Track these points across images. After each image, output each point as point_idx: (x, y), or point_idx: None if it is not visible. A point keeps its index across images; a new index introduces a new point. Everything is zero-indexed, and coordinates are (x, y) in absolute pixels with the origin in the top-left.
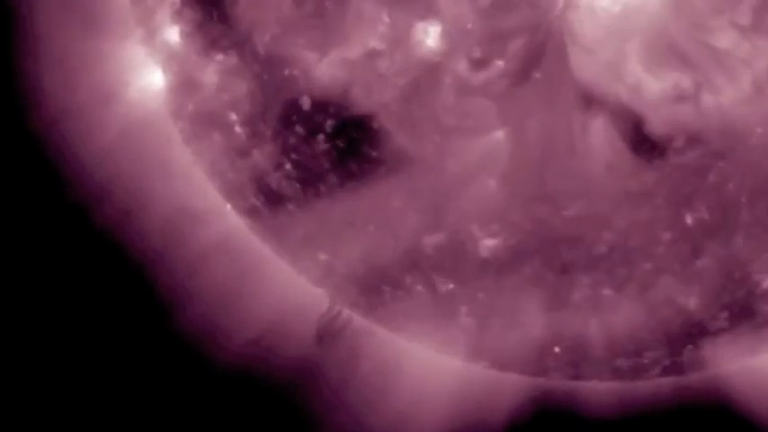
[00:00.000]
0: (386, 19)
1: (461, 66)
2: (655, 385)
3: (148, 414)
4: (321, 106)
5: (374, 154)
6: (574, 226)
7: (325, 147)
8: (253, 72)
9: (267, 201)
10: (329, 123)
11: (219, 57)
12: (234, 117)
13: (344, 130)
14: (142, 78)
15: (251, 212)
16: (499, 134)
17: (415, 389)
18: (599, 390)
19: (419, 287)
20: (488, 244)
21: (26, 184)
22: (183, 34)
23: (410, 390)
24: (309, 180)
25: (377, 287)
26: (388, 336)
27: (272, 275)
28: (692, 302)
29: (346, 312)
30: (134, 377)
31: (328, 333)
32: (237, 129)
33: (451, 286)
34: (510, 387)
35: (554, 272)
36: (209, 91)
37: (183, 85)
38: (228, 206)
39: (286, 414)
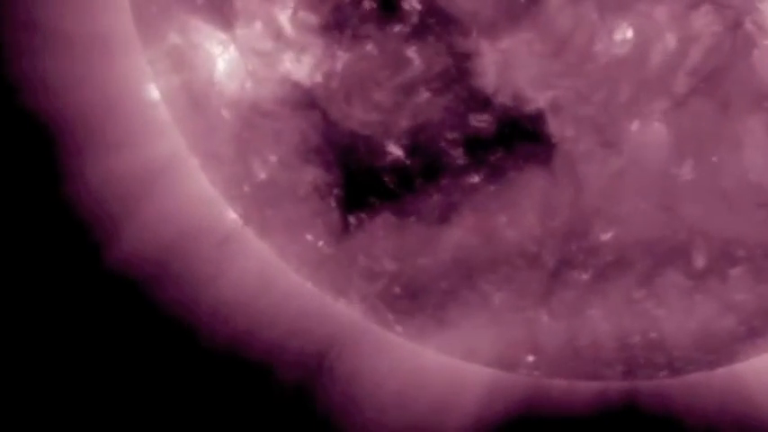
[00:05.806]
0: (571, 12)
1: (645, 66)
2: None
3: (156, 408)
4: (477, 95)
5: (519, 148)
6: (697, 231)
7: (467, 137)
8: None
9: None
10: (483, 114)
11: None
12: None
13: (499, 122)
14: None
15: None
16: (662, 131)
17: (420, 390)
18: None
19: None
20: (604, 238)
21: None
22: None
23: (414, 390)
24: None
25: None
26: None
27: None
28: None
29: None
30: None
31: None
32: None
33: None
34: (515, 388)
35: (654, 275)
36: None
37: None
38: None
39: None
